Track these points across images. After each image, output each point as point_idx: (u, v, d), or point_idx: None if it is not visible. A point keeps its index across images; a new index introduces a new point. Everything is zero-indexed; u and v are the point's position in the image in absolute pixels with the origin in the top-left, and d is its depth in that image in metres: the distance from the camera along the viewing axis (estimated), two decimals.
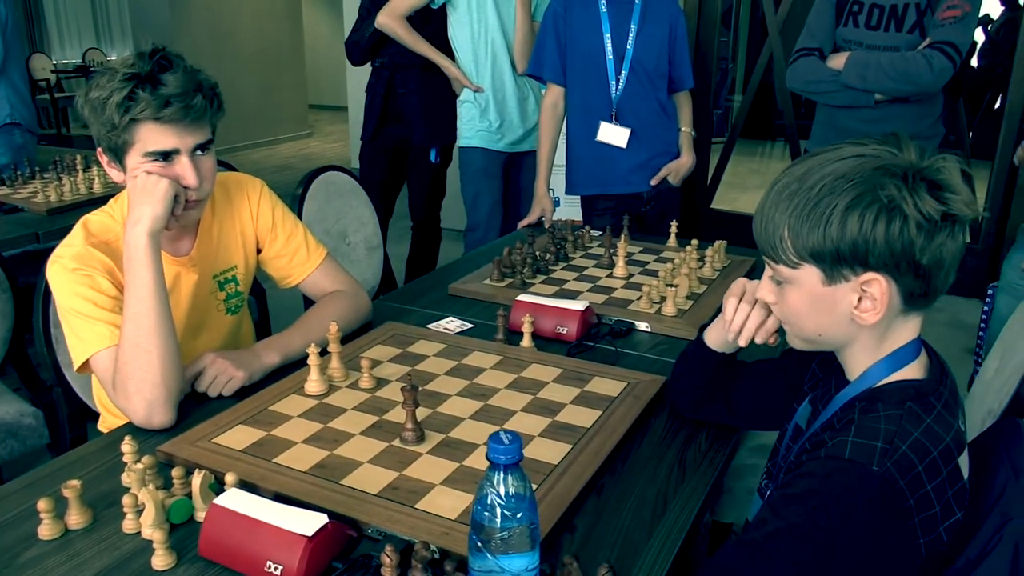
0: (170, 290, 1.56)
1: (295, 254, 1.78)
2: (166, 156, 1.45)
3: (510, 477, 0.87)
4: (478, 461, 1.25)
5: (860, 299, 0.94)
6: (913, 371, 0.97)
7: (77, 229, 1.51)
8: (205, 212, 1.64)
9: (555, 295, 1.97)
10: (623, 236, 2.26)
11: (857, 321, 0.95)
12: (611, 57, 2.60)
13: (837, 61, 2.54)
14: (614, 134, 2.66)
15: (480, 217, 3.20)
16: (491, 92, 3.14)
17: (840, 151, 0.93)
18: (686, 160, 2.77)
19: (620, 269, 2.15)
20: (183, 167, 1.46)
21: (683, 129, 2.80)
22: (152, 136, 1.43)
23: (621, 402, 1.44)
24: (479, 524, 0.87)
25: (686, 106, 2.82)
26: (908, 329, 0.98)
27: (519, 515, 0.86)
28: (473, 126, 3.17)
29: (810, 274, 0.95)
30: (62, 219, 2.76)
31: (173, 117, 1.42)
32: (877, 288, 0.92)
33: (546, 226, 2.69)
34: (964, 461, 0.94)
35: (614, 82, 2.63)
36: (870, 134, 2.62)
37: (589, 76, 2.66)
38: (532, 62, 2.77)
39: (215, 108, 1.50)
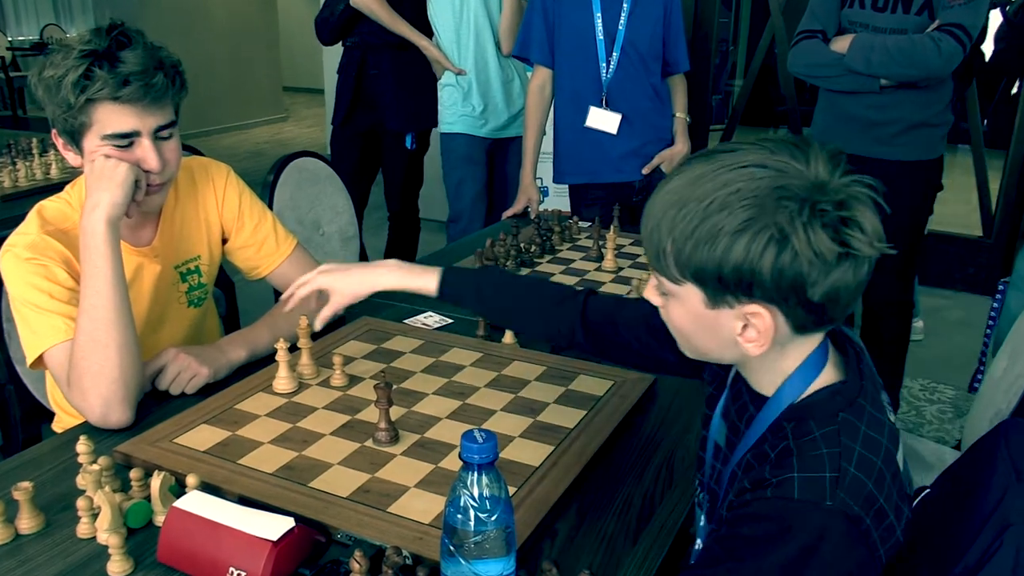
0: (131, 282, 1.57)
1: (263, 244, 1.79)
2: (126, 138, 1.45)
3: (484, 478, 0.88)
4: (455, 463, 1.26)
5: (745, 326, 0.91)
6: (829, 374, 0.95)
7: (31, 217, 1.51)
8: (168, 199, 1.64)
9: None
10: (613, 228, 2.27)
11: (742, 349, 0.93)
12: (601, 38, 2.61)
13: (841, 44, 2.56)
14: (604, 119, 2.67)
15: (463, 207, 3.20)
16: (474, 75, 3.15)
17: (744, 155, 0.88)
18: (680, 147, 2.79)
19: (609, 262, 2.16)
20: (144, 150, 1.47)
21: (677, 115, 2.82)
22: (110, 117, 1.43)
23: (607, 402, 1.46)
24: (451, 527, 0.88)
25: (681, 90, 2.84)
26: (810, 342, 0.95)
27: (494, 518, 0.87)
28: (455, 111, 3.18)
29: (692, 293, 0.92)
30: (17, 206, 2.75)
31: (132, 97, 1.42)
32: (761, 322, 0.89)
33: (532, 216, 2.70)
34: (900, 454, 0.94)
35: (604, 64, 2.64)
36: (875, 121, 2.60)
37: (578, 58, 2.67)
38: (518, 43, 2.78)
39: (177, 87, 1.50)
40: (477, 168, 3.22)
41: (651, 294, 1.01)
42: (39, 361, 1.43)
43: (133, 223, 1.59)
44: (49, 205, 1.55)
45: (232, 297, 2.72)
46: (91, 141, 1.45)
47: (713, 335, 0.94)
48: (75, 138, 1.46)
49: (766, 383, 0.98)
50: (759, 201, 0.84)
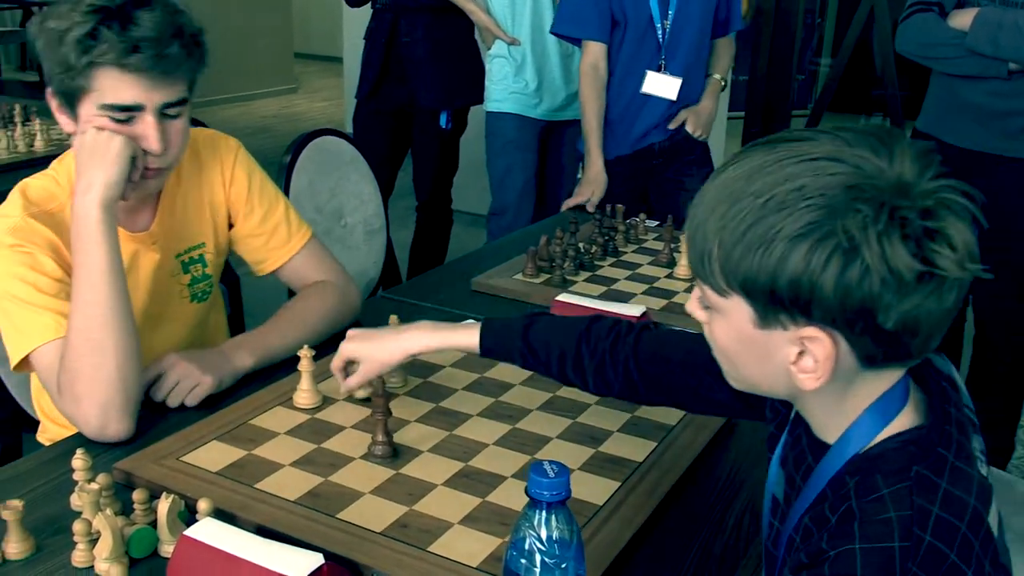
0: (127, 273, 1.58)
1: (273, 233, 1.80)
2: (127, 111, 1.46)
3: (554, 518, 0.88)
4: (504, 497, 1.27)
5: (801, 353, 0.87)
6: (907, 419, 0.90)
7: (14, 197, 1.53)
8: (169, 177, 1.65)
9: (602, 296, 1.99)
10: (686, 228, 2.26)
11: (795, 381, 0.89)
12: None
13: (962, 19, 2.53)
14: (662, 84, 2.82)
15: (509, 199, 3.21)
16: (529, 45, 3.16)
17: (814, 146, 0.85)
18: (706, 104, 2.92)
19: (683, 269, 2.16)
20: (146, 127, 1.47)
21: (714, 76, 2.96)
22: (113, 85, 1.44)
23: (681, 432, 1.45)
24: (514, 573, 0.88)
25: (727, 53, 2.99)
26: (884, 379, 0.90)
27: (564, 565, 0.87)
28: (505, 87, 3.19)
29: (740, 308, 0.89)
30: None
31: (140, 66, 1.42)
32: (820, 349, 0.85)
33: (589, 209, 2.72)
34: (993, 515, 0.89)
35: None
36: (1001, 112, 2.54)
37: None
38: (560, 20, 2.89)
39: (195, 60, 1.51)
40: (527, 154, 3.23)
41: (694, 307, 0.98)
42: (24, 362, 1.45)
43: (130, 205, 1.60)
44: (33, 183, 1.56)
45: (236, 294, 2.74)
46: (87, 108, 1.46)
47: (761, 362, 0.91)
48: (71, 101, 1.48)
49: (829, 427, 0.94)
50: (827, 201, 0.81)
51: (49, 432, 1.69)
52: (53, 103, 1.52)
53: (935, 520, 0.83)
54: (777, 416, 1.09)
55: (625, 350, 1.28)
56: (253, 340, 1.64)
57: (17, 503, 1.14)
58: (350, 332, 1.46)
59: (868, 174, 0.81)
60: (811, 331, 0.85)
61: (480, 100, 3.43)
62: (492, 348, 1.38)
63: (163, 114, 1.49)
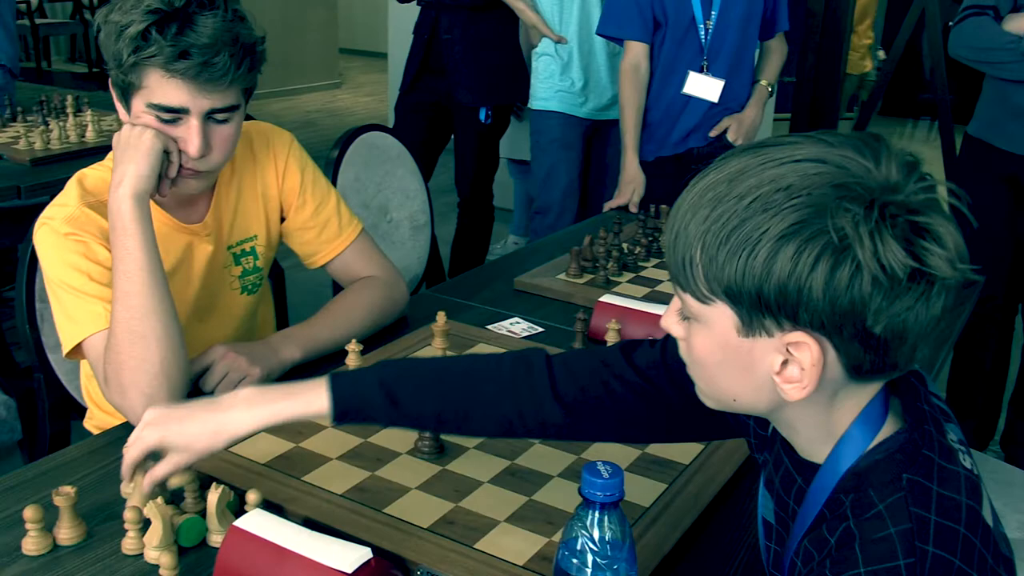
0: (179, 264, 1.60)
1: (325, 227, 1.81)
2: (172, 113, 1.46)
3: (607, 519, 0.88)
4: (551, 496, 1.27)
5: (785, 363, 0.85)
6: (888, 425, 0.89)
7: (71, 186, 1.55)
8: (223, 170, 1.67)
9: (646, 298, 1.98)
10: None
11: (778, 392, 0.87)
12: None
13: (1018, 23, 2.50)
14: (704, 86, 2.80)
15: (553, 198, 3.21)
16: (576, 44, 3.15)
17: (797, 148, 0.83)
18: (750, 113, 2.89)
19: None
20: (189, 131, 1.48)
21: (761, 82, 2.94)
22: (160, 87, 1.45)
23: None
24: (565, 573, 0.88)
25: (777, 57, 2.96)
26: (866, 390, 0.88)
27: (616, 566, 0.87)
28: (551, 85, 3.19)
29: (723, 316, 0.86)
30: (48, 171, 2.83)
31: (186, 72, 1.43)
32: (807, 355, 0.83)
33: (631, 209, 2.70)
34: (986, 507, 0.88)
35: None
36: None
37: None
38: (605, 19, 2.89)
39: (244, 70, 1.49)
40: (572, 153, 3.22)
41: (671, 321, 0.94)
42: (76, 350, 1.47)
43: (183, 197, 1.62)
44: (91, 173, 1.58)
45: (281, 286, 2.75)
46: (138, 104, 1.48)
47: (744, 373, 0.88)
48: (124, 95, 1.50)
49: (815, 445, 0.92)
50: (813, 200, 0.79)
51: (96, 419, 1.71)
52: (113, 93, 1.54)
53: (935, 529, 0.82)
54: (760, 440, 1.07)
55: (537, 392, 1.13)
56: (301, 333, 1.64)
57: (70, 489, 1.15)
58: (148, 413, 1.17)
59: (855, 174, 0.80)
60: (797, 336, 0.82)
61: (520, 98, 3.44)
62: (348, 410, 1.13)
63: (210, 118, 1.49)
